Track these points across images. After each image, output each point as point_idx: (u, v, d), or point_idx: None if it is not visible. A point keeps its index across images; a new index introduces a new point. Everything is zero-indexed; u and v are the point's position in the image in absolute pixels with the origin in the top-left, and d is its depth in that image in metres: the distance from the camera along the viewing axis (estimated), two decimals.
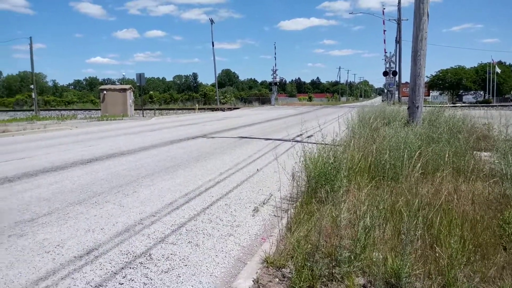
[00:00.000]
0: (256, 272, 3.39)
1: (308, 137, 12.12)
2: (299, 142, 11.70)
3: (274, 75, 66.56)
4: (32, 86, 42.60)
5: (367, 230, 3.43)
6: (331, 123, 14.20)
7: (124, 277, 3.57)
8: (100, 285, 3.42)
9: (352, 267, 3.18)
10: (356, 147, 6.51)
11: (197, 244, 4.33)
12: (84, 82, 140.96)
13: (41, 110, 44.94)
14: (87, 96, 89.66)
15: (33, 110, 43.09)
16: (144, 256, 4.03)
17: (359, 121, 11.33)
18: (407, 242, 3.16)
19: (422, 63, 11.13)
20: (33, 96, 42.19)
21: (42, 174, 8.03)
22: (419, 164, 5.64)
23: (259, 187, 6.85)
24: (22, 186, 7.04)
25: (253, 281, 3.25)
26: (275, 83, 67.55)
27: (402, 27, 43.66)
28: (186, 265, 3.82)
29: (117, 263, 3.86)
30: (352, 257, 3.23)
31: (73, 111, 45.20)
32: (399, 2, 43.87)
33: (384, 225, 3.90)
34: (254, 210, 5.60)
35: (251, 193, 6.46)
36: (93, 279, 3.53)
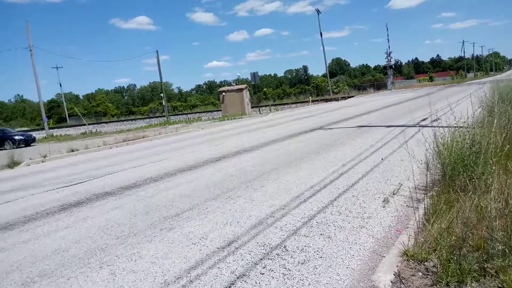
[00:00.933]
0: (397, 266, 3.28)
1: (434, 120, 11.24)
2: (426, 127, 10.94)
3: (389, 58, 63.02)
4: (162, 95, 47.31)
5: None
6: (460, 103, 12.99)
7: (264, 267, 3.78)
8: (243, 275, 3.67)
9: (508, 261, 2.88)
10: (497, 128, 5.83)
11: (329, 236, 4.36)
12: (204, 86, 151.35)
13: (170, 115, 49.65)
14: (207, 98, 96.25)
15: (164, 116, 47.82)
16: (280, 248, 4.20)
17: (496, 98, 10.10)
18: None
19: None
20: (163, 103, 46.82)
21: (180, 173, 8.90)
22: None
23: (386, 177, 6.60)
24: (165, 184, 7.90)
25: (394, 274, 3.16)
26: (390, 66, 63.88)
27: None
28: (321, 257, 3.88)
29: (256, 254, 4.10)
30: (506, 250, 2.93)
31: (197, 114, 48.97)
32: None
33: None
34: (384, 201, 5.41)
35: (379, 184, 6.26)
36: (236, 268, 3.81)
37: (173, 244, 4.63)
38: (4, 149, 24.84)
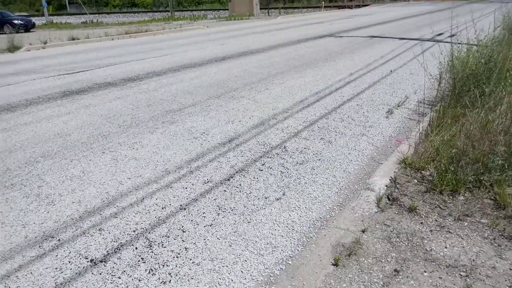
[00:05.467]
0: (394, 172, 3.34)
1: (452, 35, 10.76)
2: (442, 42, 10.49)
3: None
4: None
5: None
6: (480, 19, 12.35)
7: (263, 164, 3.85)
8: (242, 170, 3.75)
9: (505, 176, 2.91)
10: None
11: (329, 141, 4.40)
12: None
13: (175, 10, 47.40)
14: None
15: (168, 11, 45.69)
16: (280, 148, 4.25)
17: None
18: None
19: None
20: None
21: (183, 70, 8.72)
22: None
23: (392, 89, 6.47)
24: (167, 80, 7.78)
25: (390, 179, 3.22)
26: None
27: None
28: (319, 160, 3.94)
29: (256, 152, 4.16)
30: (506, 165, 2.95)
31: (203, 11, 46.76)
32: None
33: None
34: (387, 112, 5.36)
35: (384, 95, 6.15)
36: (236, 164, 3.89)
37: (175, 136, 4.68)
38: (3, 33, 24.11)
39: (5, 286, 2.37)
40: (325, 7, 43.63)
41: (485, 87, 4.45)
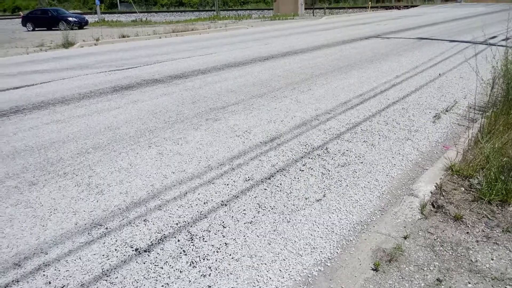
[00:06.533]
0: (440, 178, 3.24)
1: (507, 39, 10.23)
2: (495, 45, 10.01)
3: None
4: None
5: None
6: None
7: (304, 165, 3.86)
8: (283, 169, 3.78)
9: None
10: None
11: (372, 144, 4.33)
12: None
13: (220, 10, 48.12)
14: None
15: (214, 10, 46.45)
16: (321, 149, 4.24)
17: None
18: None
19: None
20: None
21: (227, 69, 8.86)
22: None
23: (441, 93, 6.26)
24: (212, 78, 7.93)
25: (435, 186, 3.13)
26: None
27: None
28: (362, 163, 3.89)
29: (297, 152, 4.17)
30: None
31: (248, 11, 47.14)
32: None
33: None
34: (435, 116, 5.20)
35: (432, 99, 5.97)
36: (277, 163, 3.92)
37: (218, 134, 4.77)
38: (58, 30, 25.46)
39: (55, 269, 2.52)
40: (371, 7, 42.71)
41: None
